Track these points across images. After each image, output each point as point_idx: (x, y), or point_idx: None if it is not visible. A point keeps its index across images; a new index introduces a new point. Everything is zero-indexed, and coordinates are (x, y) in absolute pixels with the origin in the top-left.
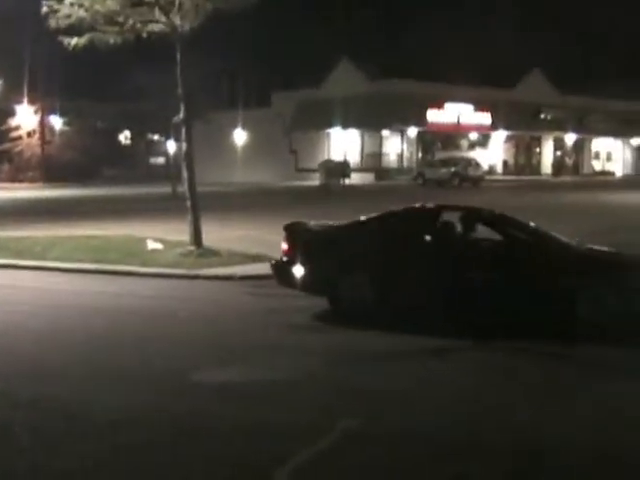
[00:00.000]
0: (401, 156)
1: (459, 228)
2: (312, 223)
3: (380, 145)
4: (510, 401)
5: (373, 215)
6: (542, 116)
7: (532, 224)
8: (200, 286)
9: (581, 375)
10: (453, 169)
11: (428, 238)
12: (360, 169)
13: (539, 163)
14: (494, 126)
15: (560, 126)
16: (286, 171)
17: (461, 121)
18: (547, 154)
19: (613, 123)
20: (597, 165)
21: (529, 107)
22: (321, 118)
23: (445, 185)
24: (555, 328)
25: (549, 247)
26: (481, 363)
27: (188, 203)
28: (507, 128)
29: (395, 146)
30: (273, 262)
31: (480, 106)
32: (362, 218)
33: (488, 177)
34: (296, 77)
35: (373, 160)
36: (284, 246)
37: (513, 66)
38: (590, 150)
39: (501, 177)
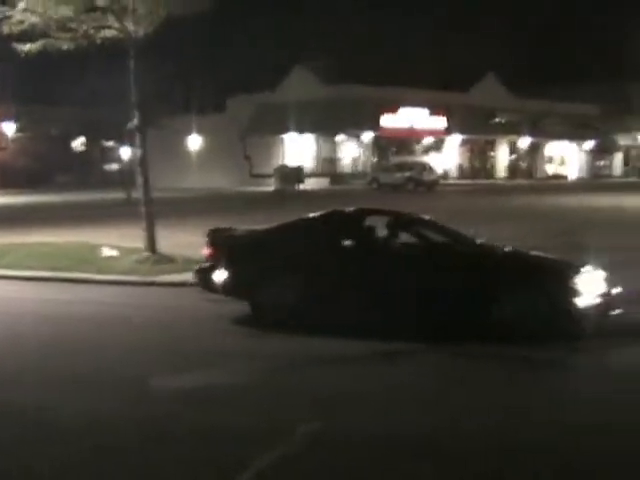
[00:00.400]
0: (356, 161)
1: (380, 232)
2: (239, 228)
3: (335, 150)
4: (464, 403)
5: (296, 219)
6: (497, 120)
7: (456, 228)
8: (155, 293)
9: (523, 376)
10: (408, 174)
11: (348, 242)
12: (315, 174)
13: (493, 167)
14: (449, 130)
15: (514, 129)
16: (241, 176)
17: (415, 125)
18: (502, 158)
19: (567, 126)
20: (551, 168)
21: (484, 111)
22: (276, 123)
23: (400, 189)
24: (481, 331)
25: (471, 250)
26: (427, 366)
27: (143, 209)
28: (462, 132)
29: (350, 151)
30: (197, 267)
31: (435, 110)
32: (285, 222)
33: (443, 181)
34: (251, 82)
35: (328, 165)
36: (207, 251)
37: (467, 70)
38: (544, 154)
39: (456, 181)
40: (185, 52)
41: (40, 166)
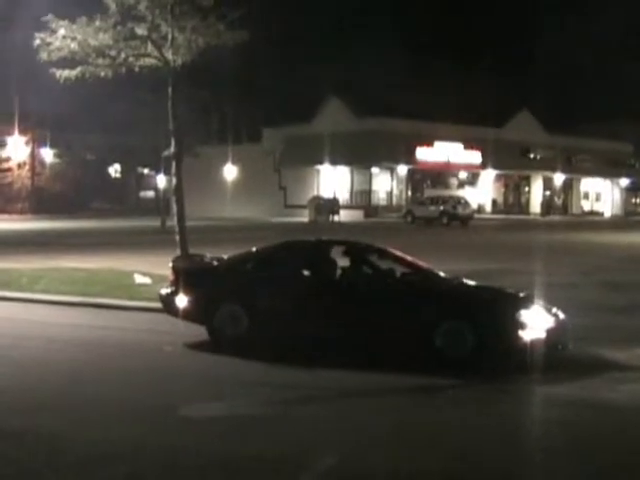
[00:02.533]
0: (390, 194)
1: (332, 262)
2: (206, 256)
3: (369, 182)
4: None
5: (255, 248)
6: (531, 155)
7: (410, 258)
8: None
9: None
10: (442, 207)
11: (302, 270)
12: (349, 206)
13: (528, 202)
14: (483, 165)
15: (549, 165)
16: (275, 207)
17: (451, 159)
18: (536, 193)
19: (600, 163)
20: (586, 205)
21: (518, 146)
22: (310, 154)
23: (434, 223)
24: (418, 360)
25: (418, 280)
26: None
27: (177, 237)
28: (496, 167)
29: (384, 183)
30: (161, 292)
31: (469, 145)
32: (244, 251)
33: (477, 216)
34: (286, 114)
35: (362, 197)
36: (170, 277)
37: (502, 106)
38: (579, 190)
39: (490, 216)
40: (222, 81)
41: (76, 192)
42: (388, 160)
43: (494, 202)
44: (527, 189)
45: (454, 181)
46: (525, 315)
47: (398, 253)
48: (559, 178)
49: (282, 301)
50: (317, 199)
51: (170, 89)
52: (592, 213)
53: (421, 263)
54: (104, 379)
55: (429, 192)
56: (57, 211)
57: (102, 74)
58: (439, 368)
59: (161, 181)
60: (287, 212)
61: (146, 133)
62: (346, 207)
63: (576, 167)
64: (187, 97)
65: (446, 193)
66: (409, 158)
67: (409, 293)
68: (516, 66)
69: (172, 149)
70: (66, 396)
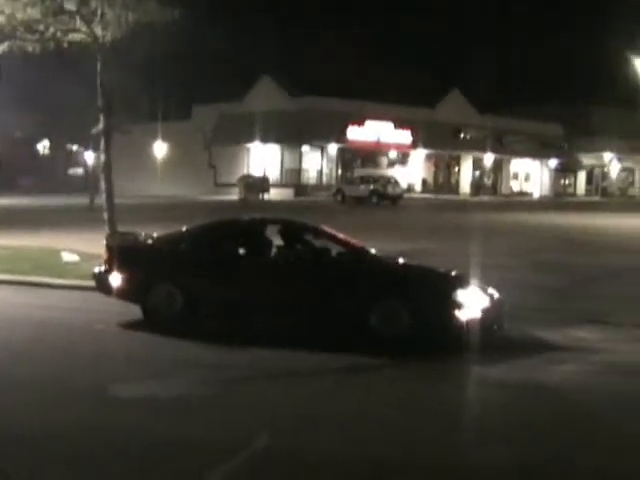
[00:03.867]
0: (321, 172)
1: (267, 239)
2: (141, 233)
3: (300, 161)
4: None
5: (189, 226)
6: (462, 136)
7: (344, 237)
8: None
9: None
10: (372, 187)
11: (236, 249)
12: (279, 185)
13: (458, 182)
14: (414, 144)
15: (479, 146)
16: (205, 185)
17: (381, 139)
18: (466, 173)
19: (531, 144)
20: (515, 186)
21: (449, 126)
22: (241, 133)
23: (364, 202)
24: (354, 339)
25: (352, 259)
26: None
27: (105, 215)
28: (427, 147)
29: (315, 162)
30: (95, 270)
31: (400, 124)
32: (180, 229)
33: (407, 195)
34: (217, 91)
35: (292, 176)
36: (103, 255)
37: (434, 86)
38: (509, 170)
39: (420, 195)
40: (152, 59)
41: (3, 169)
42: (319, 139)
43: (424, 182)
44: (457, 169)
45: (384, 160)
46: (461, 294)
47: (333, 232)
48: (489, 158)
49: (217, 281)
50: (247, 177)
51: (99, 65)
52: (521, 194)
53: (356, 242)
54: (34, 358)
55: (359, 171)
56: None
57: (30, 49)
58: (374, 348)
59: (90, 158)
60: (217, 190)
61: (76, 109)
62: (276, 186)
63: (506, 148)
64: (117, 73)
65: (376, 172)
66: (340, 137)
67: (344, 272)
68: (450, 47)
69: (101, 126)
70: None
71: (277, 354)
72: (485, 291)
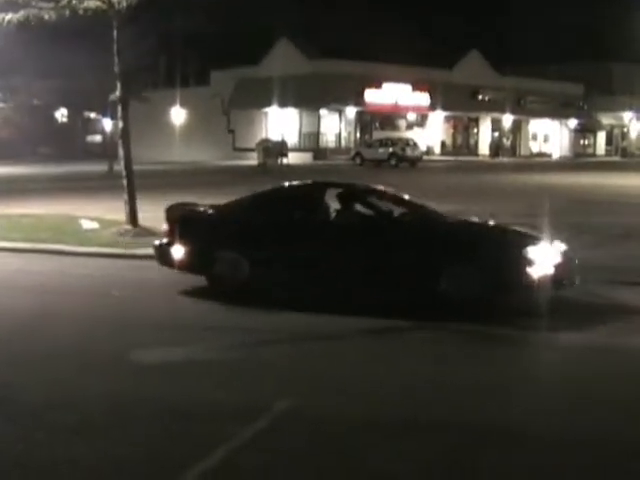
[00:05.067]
0: (339, 136)
1: (335, 204)
2: (200, 204)
3: (318, 125)
4: (442, 382)
5: (251, 193)
6: (480, 97)
7: (410, 198)
8: (135, 265)
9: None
10: (391, 149)
11: (300, 215)
12: (298, 149)
13: (477, 144)
14: (432, 107)
15: (498, 107)
16: (224, 150)
17: (399, 101)
18: (485, 135)
19: (550, 105)
20: (534, 147)
21: (467, 88)
22: (259, 97)
23: (383, 165)
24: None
25: (422, 222)
26: (406, 342)
27: (124, 182)
28: (445, 109)
29: (333, 126)
30: (155, 243)
31: (418, 87)
32: (242, 196)
33: (426, 157)
34: (235, 57)
35: (311, 140)
36: (164, 227)
37: (451, 47)
38: (527, 132)
39: (439, 157)
40: (169, 24)
41: (22, 138)
42: (336, 102)
43: (443, 144)
44: (476, 131)
45: (403, 123)
46: (532, 251)
47: (399, 194)
48: (508, 119)
49: (283, 248)
50: (265, 142)
51: (115, 32)
52: (540, 154)
53: (422, 203)
54: (52, 325)
55: (378, 134)
56: (3, 157)
57: (46, 17)
58: (440, 311)
59: (108, 125)
60: (236, 155)
61: (93, 77)
62: (295, 150)
63: (525, 108)
64: (134, 40)
65: (395, 135)
66: (358, 100)
67: (414, 235)
68: (467, 7)
69: (118, 93)
70: (15, 344)
71: (329, 319)
72: (555, 246)
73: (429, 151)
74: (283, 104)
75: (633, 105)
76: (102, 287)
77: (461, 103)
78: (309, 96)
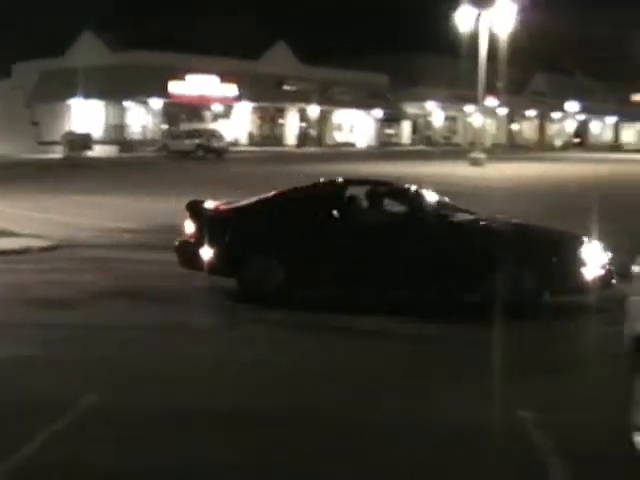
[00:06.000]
0: (145, 128)
1: (368, 203)
2: (216, 202)
3: (123, 117)
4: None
5: (278, 192)
6: (286, 88)
7: (446, 199)
8: None
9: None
10: (197, 141)
11: (336, 213)
12: (104, 141)
13: (283, 134)
14: (239, 97)
15: (304, 98)
16: (28, 143)
17: (206, 93)
18: (291, 125)
19: (356, 95)
20: (340, 136)
21: (273, 79)
22: (63, 89)
23: (189, 157)
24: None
25: (461, 223)
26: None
27: None
28: (252, 99)
29: (139, 118)
30: (177, 243)
31: (226, 78)
32: (268, 195)
33: (233, 148)
34: (38, 49)
35: (117, 132)
36: (189, 227)
37: (259, 38)
38: (333, 122)
39: (246, 148)
40: None
41: None
42: (141, 94)
43: (250, 135)
44: (282, 121)
45: (209, 114)
46: (585, 252)
47: (438, 195)
48: (314, 110)
49: (321, 250)
50: (70, 135)
51: None
52: (346, 144)
53: (458, 205)
54: None
55: (185, 126)
56: None
57: None
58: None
59: None
60: (41, 149)
61: None
62: (100, 142)
63: (331, 99)
64: None
65: (201, 126)
66: (163, 91)
67: (462, 237)
68: None
69: None
70: None
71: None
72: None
73: (236, 142)
74: (87, 96)
75: (436, 95)
76: None
77: (268, 94)
78: (113, 88)
